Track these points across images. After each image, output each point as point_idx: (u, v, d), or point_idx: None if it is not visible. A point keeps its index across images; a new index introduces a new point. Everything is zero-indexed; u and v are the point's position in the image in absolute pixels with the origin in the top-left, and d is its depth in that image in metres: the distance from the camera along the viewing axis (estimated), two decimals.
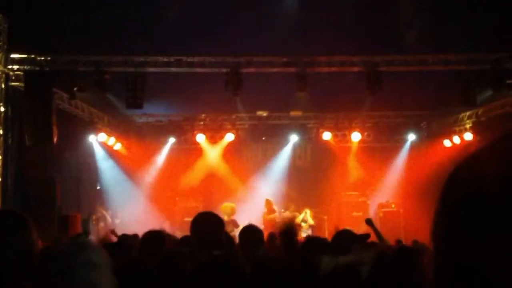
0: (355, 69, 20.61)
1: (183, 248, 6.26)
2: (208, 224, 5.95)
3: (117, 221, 24.09)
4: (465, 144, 24.67)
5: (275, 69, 20.68)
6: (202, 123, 27.26)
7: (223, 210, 20.47)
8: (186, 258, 5.46)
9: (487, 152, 1.31)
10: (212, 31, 19.64)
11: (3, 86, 19.31)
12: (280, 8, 20.05)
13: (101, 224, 23.50)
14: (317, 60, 20.63)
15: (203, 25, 19.53)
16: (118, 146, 26.01)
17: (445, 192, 1.32)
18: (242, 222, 17.90)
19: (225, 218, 19.93)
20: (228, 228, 19.25)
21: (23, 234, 3.56)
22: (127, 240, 9.73)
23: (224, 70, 19.95)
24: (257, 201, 24.95)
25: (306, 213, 23.51)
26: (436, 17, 19.24)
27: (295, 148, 28.49)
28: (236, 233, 17.90)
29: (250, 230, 7.71)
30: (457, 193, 1.28)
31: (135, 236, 10.21)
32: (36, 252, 3.60)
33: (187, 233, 6.50)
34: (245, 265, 5.16)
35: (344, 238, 7.95)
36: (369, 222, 12.36)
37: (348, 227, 10.11)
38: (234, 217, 20.80)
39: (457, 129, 25.66)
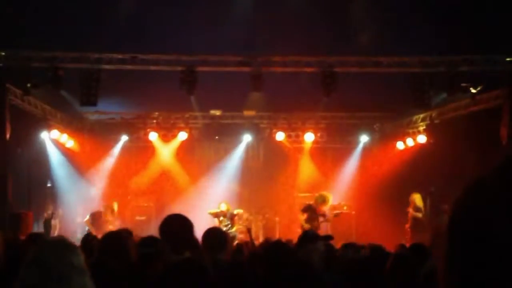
0: (310, 69, 20.57)
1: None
2: (180, 226, 5.92)
3: (78, 219, 23.85)
4: (419, 147, 24.86)
5: (230, 69, 20.56)
6: (155, 121, 27.09)
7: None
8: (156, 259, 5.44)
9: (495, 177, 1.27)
10: (167, 29, 19.49)
11: None
12: (236, 7, 19.98)
13: (52, 222, 23.25)
14: (272, 60, 20.55)
15: (159, 23, 19.37)
16: (70, 144, 25.73)
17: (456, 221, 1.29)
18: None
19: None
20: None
21: None
22: (89, 240, 9.56)
23: (179, 68, 19.85)
24: (208, 200, 24.71)
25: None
26: (391, 19, 19.31)
27: (248, 148, 28.43)
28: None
29: (213, 233, 7.51)
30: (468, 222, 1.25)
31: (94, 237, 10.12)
32: None
33: (138, 232, 6.48)
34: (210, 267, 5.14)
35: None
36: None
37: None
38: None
39: (410, 131, 25.79)
